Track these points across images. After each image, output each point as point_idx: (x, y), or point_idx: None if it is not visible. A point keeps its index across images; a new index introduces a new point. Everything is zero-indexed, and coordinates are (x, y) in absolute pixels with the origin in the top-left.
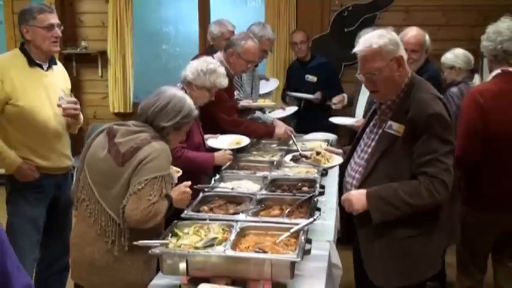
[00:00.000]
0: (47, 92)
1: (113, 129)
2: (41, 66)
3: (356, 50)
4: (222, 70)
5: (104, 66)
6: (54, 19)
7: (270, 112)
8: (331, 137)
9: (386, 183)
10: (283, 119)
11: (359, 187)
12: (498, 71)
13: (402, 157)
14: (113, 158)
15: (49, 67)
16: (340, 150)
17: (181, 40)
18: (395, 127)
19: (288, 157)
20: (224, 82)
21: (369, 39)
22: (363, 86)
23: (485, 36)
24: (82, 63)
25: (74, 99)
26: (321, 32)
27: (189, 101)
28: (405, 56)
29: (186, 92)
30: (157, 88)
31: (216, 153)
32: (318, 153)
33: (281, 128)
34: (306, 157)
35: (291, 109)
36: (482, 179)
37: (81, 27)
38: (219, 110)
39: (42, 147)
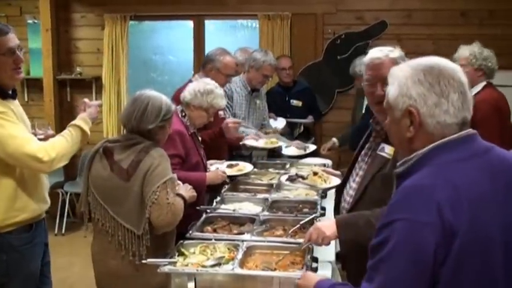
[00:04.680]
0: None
1: (108, 147)
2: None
3: (372, 56)
4: (219, 91)
5: (98, 92)
6: (12, 41)
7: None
8: (328, 162)
9: (376, 207)
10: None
11: (349, 211)
12: (484, 83)
13: (392, 180)
14: (117, 175)
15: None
16: (338, 172)
17: (176, 68)
18: (387, 150)
19: (284, 177)
20: (222, 103)
21: (383, 50)
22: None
23: (479, 53)
24: (76, 88)
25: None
26: (314, 59)
27: (164, 98)
28: None
29: (185, 114)
30: None
31: (208, 173)
32: (315, 174)
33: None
34: (303, 177)
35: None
36: None
37: (76, 53)
38: None
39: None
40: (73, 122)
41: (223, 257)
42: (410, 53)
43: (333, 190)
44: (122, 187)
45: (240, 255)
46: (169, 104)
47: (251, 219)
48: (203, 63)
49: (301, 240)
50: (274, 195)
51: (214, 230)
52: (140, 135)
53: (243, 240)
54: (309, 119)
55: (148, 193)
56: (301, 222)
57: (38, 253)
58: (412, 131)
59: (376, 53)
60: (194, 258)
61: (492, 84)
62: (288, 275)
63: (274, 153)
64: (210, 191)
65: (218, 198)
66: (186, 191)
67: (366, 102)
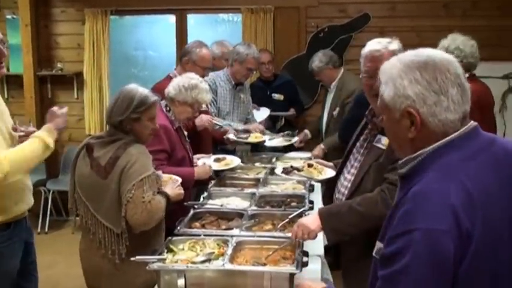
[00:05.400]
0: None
1: (90, 144)
2: None
3: (371, 48)
4: (204, 86)
5: (79, 88)
6: None
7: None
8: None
9: None
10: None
11: None
12: (466, 75)
13: (385, 170)
14: (95, 172)
15: None
16: (331, 164)
17: (157, 63)
18: (383, 141)
19: (279, 169)
20: (207, 97)
21: (382, 42)
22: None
23: (446, 49)
24: (57, 85)
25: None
26: (298, 52)
27: (141, 90)
28: None
29: (170, 109)
30: None
31: (196, 168)
32: (310, 166)
33: (200, 119)
34: (298, 169)
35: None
36: None
37: (56, 49)
38: None
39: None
40: (36, 133)
41: (213, 252)
42: None
43: (320, 183)
44: (100, 185)
45: (230, 251)
46: (144, 96)
47: (239, 214)
48: (180, 56)
49: (290, 234)
50: (262, 190)
51: (203, 226)
52: (121, 131)
53: (232, 236)
54: (291, 112)
55: (124, 191)
56: (290, 216)
57: (16, 252)
58: (413, 132)
59: (375, 45)
60: (183, 254)
61: (475, 75)
62: (279, 269)
63: (257, 148)
64: (197, 186)
65: (205, 194)
66: (173, 188)
67: (331, 97)
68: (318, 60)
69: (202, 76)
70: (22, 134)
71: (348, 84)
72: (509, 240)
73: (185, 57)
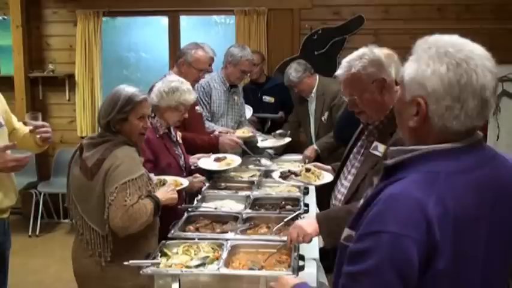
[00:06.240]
0: None
1: (82, 144)
2: None
3: (337, 73)
4: (185, 86)
5: (71, 90)
6: None
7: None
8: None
9: None
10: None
11: None
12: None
13: None
14: (83, 173)
15: None
16: (329, 167)
17: (150, 65)
18: (380, 148)
19: (276, 174)
20: (191, 98)
21: (350, 62)
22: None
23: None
24: (49, 86)
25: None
26: (291, 54)
27: (128, 89)
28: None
29: (154, 115)
30: None
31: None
32: (307, 170)
33: (225, 138)
34: (296, 174)
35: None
36: None
37: (48, 50)
38: None
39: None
40: None
41: (208, 256)
42: (388, 48)
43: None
44: (87, 186)
45: (225, 255)
46: (130, 95)
47: (234, 217)
48: (176, 57)
49: (286, 238)
50: (256, 193)
51: (197, 229)
52: (110, 132)
53: (227, 239)
54: (279, 115)
55: (107, 194)
56: (286, 220)
57: None
58: (415, 122)
59: (340, 68)
60: (177, 258)
61: None
62: (275, 274)
63: (252, 150)
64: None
65: (199, 197)
66: (165, 192)
67: (313, 105)
68: (294, 71)
69: (198, 78)
70: (31, 127)
71: (328, 87)
72: (482, 264)
73: (181, 59)
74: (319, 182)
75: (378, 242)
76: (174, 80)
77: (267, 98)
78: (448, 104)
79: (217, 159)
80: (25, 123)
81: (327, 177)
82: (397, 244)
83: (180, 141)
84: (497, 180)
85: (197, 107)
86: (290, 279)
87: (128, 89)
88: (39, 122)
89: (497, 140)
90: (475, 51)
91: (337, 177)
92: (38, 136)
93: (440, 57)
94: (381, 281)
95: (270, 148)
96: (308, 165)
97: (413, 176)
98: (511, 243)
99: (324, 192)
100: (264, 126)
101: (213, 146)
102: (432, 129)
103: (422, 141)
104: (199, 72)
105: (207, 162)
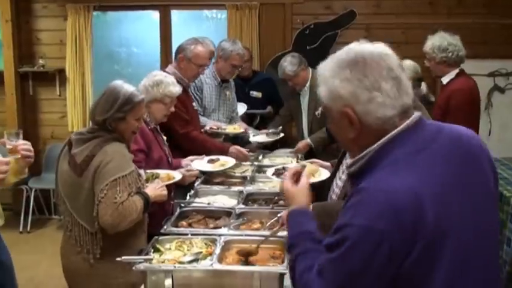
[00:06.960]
0: None
1: (71, 139)
2: None
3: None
4: (169, 79)
5: (62, 85)
6: None
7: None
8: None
9: None
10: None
11: None
12: (456, 70)
13: None
14: (72, 169)
15: None
16: (328, 164)
17: (141, 60)
18: None
19: (270, 171)
20: (175, 90)
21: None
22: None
23: (438, 46)
24: (39, 81)
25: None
26: (283, 49)
27: (127, 88)
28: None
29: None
30: None
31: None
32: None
33: (234, 149)
34: None
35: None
36: None
37: (38, 45)
38: (172, 122)
39: None
40: None
41: (201, 252)
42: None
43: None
44: (76, 182)
45: (218, 250)
46: (130, 95)
47: (227, 213)
48: (175, 53)
49: (280, 234)
50: (249, 188)
51: (190, 225)
52: (104, 130)
53: (220, 235)
54: (267, 110)
55: (97, 191)
56: (279, 215)
57: None
58: (354, 131)
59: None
60: (170, 254)
61: (464, 71)
62: (269, 269)
63: (242, 145)
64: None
65: (192, 192)
66: (154, 189)
67: (306, 99)
68: (290, 64)
69: (197, 74)
70: (10, 147)
71: None
72: (473, 224)
73: (180, 54)
74: (315, 179)
75: (347, 234)
76: (157, 74)
77: (254, 93)
78: (368, 97)
79: (211, 161)
80: (3, 144)
81: (324, 174)
82: (365, 236)
83: (166, 144)
84: (456, 145)
85: (194, 104)
86: (300, 198)
87: (126, 87)
88: (21, 141)
89: (489, 134)
90: (363, 47)
91: (334, 174)
92: (19, 156)
93: (339, 66)
94: (347, 270)
95: (261, 143)
96: (304, 162)
97: (377, 173)
98: (487, 198)
99: (321, 189)
100: (252, 122)
101: (221, 154)
102: (370, 129)
103: (369, 145)
104: (199, 67)
105: (200, 163)
